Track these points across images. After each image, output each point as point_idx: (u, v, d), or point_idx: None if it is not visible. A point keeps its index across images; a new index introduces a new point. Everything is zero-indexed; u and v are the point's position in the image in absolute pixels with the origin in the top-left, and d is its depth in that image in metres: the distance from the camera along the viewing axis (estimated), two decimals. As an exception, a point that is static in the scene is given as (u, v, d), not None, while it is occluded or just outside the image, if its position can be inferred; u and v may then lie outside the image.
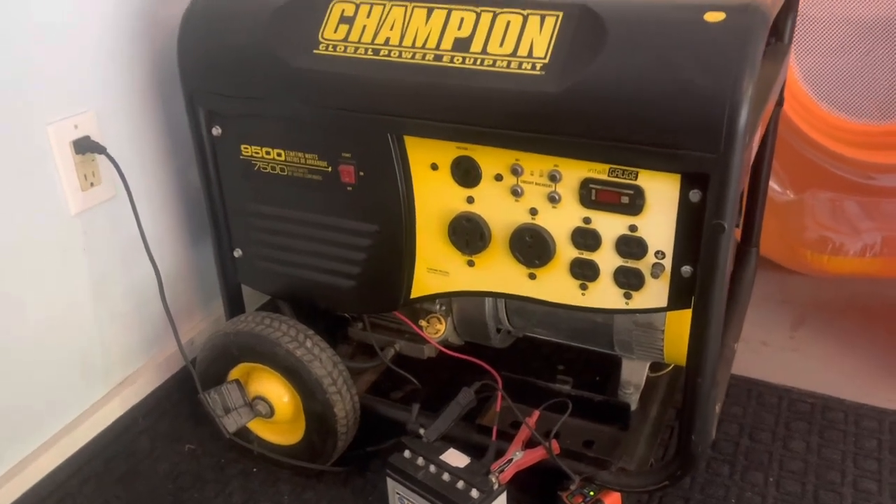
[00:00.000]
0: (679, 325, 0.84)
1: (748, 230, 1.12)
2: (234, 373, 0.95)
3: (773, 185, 1.31)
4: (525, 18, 0.72)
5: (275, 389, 0.93)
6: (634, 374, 0.92)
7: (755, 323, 1.24)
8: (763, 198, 1.09)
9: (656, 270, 0.74)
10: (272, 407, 0.93)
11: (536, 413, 0.88)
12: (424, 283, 0.87)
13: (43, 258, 0.87)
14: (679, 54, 0.65)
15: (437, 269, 0.86)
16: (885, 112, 1.27)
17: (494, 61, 0.72)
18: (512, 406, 0.88)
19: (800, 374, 1.14)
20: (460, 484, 0.80)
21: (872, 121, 1.28)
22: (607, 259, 0.76)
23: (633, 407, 0.92)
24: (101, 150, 0.88)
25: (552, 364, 1.12)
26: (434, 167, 0.80)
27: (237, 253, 0.96)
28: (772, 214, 1.28)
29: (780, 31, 0.98)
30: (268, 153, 0.88)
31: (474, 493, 0.79)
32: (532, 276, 0.81)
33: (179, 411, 1.06)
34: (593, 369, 1.10)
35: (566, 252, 0.78)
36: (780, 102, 1.01)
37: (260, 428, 0.98)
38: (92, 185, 0.90)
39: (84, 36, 0.87)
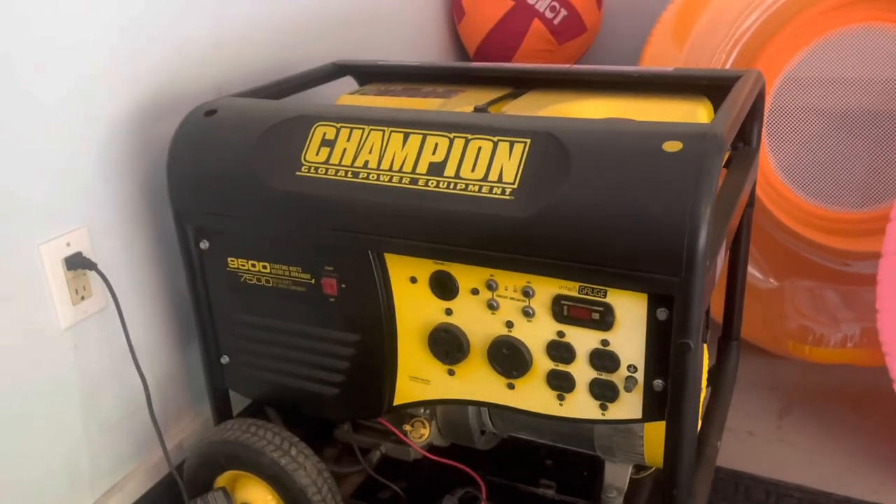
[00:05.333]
0: (658, 430, 0.85)
1: (728, 324, 1.13)
2: (221, 480, 0.96)
3: (754, 272, 1.34)
4: (495, 145, 0.76)
5: (261, 497, 0.93)
6: (617, 477, 0.92)
7: (741, 411, 1.25)
8: (741, 293, 1.11)
9: (629, 384, 0.76)
10: (258, 515, 0.94)
11: (520, 521, 0.89)
12: (407, 391, 0.89)
13: (32, 374, 0.88)
14: (638, 183, 0.68)
15: (418, 378, 0.87)
16: (861, 200, 1.30)
17: (467, 185, 0.75)
18: (495, 514, 0.89)
19: (787, 465, 1.14)
20: None
21: (848, 209, 1.31)
22: (582, 371, 0.78)
23: (617, 510, 0.92)
24: (91, 266, 0.90)
25: (540, 458, 1.13)
26: (413, 280, 0.83)
27: (224, 360, 0.98)
28: (755, 301, 1.30)
29: (747, 136, 1.01)
30: (253, 265, 0.91)
31: None
32: (511, 386, 0.83)
33: (167, 517, 1.06)
34: (582, 463, 1.10)
35: (542, 364, 0.80)
36: (750, 203, 1.04)
37: (246, 535, 0.98)
38: (83, 298, 0.92)
39: (77, 158, 0.90)
